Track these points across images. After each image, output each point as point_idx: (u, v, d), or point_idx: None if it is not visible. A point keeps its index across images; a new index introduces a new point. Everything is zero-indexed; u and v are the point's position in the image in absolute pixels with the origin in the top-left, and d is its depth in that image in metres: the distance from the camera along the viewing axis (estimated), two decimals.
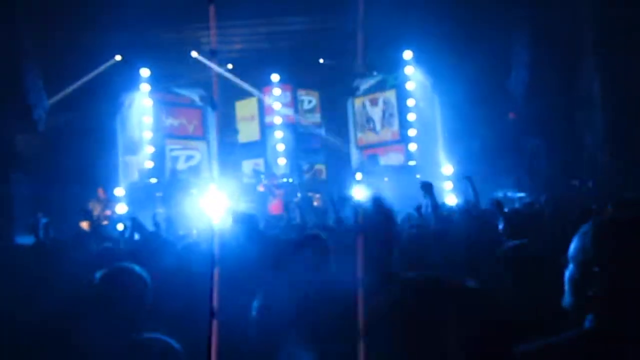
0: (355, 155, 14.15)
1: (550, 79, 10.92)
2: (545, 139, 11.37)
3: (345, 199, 6.36)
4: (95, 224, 8.96)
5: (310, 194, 12.56)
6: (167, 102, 13.87)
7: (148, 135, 13.07)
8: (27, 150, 11.30)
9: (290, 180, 12.75)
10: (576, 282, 1.56)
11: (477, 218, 4.86)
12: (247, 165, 14.04)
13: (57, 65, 11.49)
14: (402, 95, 13.51)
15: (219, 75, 12.83)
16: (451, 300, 1.23)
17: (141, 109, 13.10)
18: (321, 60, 13.61)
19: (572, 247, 1.59)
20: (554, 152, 10.99)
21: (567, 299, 1.60)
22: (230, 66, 13.26)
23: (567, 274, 1.60)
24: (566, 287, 1.60)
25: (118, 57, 12.42)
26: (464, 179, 6.24)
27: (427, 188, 4.87)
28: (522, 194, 10.74)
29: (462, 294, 1.26)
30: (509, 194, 10.94)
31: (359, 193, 11.10)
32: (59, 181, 11.50)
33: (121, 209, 11.44)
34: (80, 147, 11.90)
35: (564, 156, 10.63)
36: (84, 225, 10.02)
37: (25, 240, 7.33)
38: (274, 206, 11.98)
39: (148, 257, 3.87)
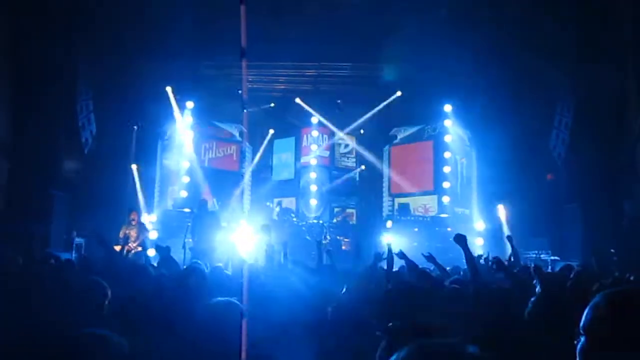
0: (387, 203, 14.18)
1: (591, 142, 10.82)
2: (582, 203, 11.10)
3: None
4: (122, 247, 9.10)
5: (339, 237, 12.55)
6: (208, 135, 14.20)
7: (186, 165, 13.24)
8: (70, 170, 11.63)
9: (321, 222, 12.84)
10: (587, 355, 1.53)
11: (516, 276, 4.83)
12: (279, 203, 14.24)
13: (107, 91, 11.91)
14: (439, 147, 13.61)
15: (260, 113, 13.21)
16: None
17: (182, 139, 13.37)
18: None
19: (584, 318, 1.56)
20: (591, 217, 10.74)
21: None
22: (272, 104, 13.47)
23: (579, 346, 1.57)
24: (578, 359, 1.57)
25: (169, 89, 12.80)
26: (506, 238, 6.23)
27: (461, 241, 4.66)
28: (555, 257, 10.56)
29: None
30: (543, 255, 10.75)
31: (388, 241, 11.40)
32: (97, 203, 11.83)
33: (153, 235, 11.49)
34: (120, 171, 12.48)
35: (600, 223, 10.24)
36: (118, 249, 10.45)
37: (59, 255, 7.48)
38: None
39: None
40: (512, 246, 5.94)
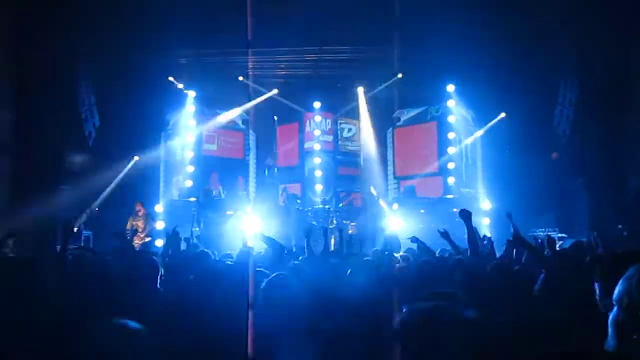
0: (392, 186, 14.03)
1: (596, 118, 10.80)
2: (587, 179, 11.12)
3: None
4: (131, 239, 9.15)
5: (345, 221, 12.44)
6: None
7: (190, 154, 13.18)
8: (75, 163, 11.64)
9: (327, 207, 12.62)
10: (621, 326, 1.55)
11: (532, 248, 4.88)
12: (284, 189, 14.03)
13: (108, 83, 11.87)
14: (443, 128, 13.43)
15: (262, 100, 13.08)
16: (449, 329, 1.39)
17: (185, 128, 13.29)
18: (360, 90, 13.54)
19: (617, 290, 1.57)
20: (596, 193, 10.71)
21: (610, 342, 1.58)
22: (275, 91, 13.42)
23: (612, 317, 1.59)
24: (610, 330, 1.59)
25: (171, 79, 12.79)
26: (505, 216, 6.11)
27: (466, 216, 4.79)
28: (563, 234, 10.55)
29: (459, 324, 1.40)
30: (550, 233, 10.58)
31: (394, 224, 11.29)
32: (102, 195, 11.96)
33: (160, 225, 11.52)
34: (124, 162, 12.39)
35: (605, 199, 10.30)
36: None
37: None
38: None
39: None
40: (512, 224, 5.90)
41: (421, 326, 1.43)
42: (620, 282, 1.58)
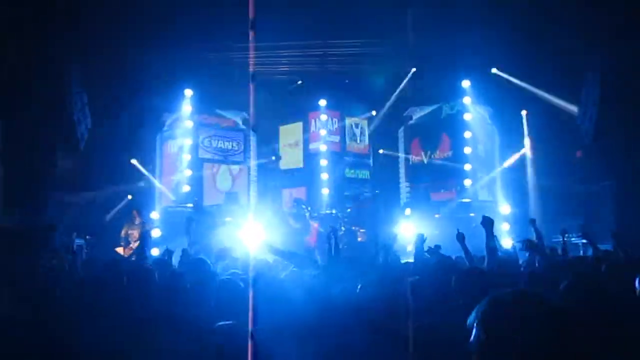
0: (404, 189, 13.59)
1: (620, 117, 10.22)
2: (614, 182, 10.65)
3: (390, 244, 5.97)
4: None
5: (354, 227, 11.85)
6: (209, 125, 13.47)
7: (187, 157, 12.69)
8: (66, 169, 11.17)
9: (334, 212, 12.01)
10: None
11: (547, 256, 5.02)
12: (288, 194, 13.62)
13: (101, 83, 11.40)
14: (458, 127, 12.82)
15: (264, 99, 12.14)
16: (537, 315, 1.41)
17: (182, 130, 12.81)
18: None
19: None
20: (622, 197, 10.33)
21: None
22: (300, 82, 12.84)
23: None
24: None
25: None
26: (528, 222, 6.07)
27: (487, 223, 4.59)
28: (585, 240, 9.65)
29: (547, 310, 1.43)
30: (573, 239, 10.17)
31: (407, 230, 10.59)
32: (97, 201, 11.54)
33: (156, 233, 11.06)
34: (119, 166, 11.98)
35: (633, 201, 9.91)
36: (119, 250, 10.07)
37: None
38: (312, 238, 11.31)
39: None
40: (536, 229, 5.80)
41: (507, 313, 1.44)
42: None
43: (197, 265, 4.58)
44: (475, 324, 1.44)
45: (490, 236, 4.53)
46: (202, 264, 4.58)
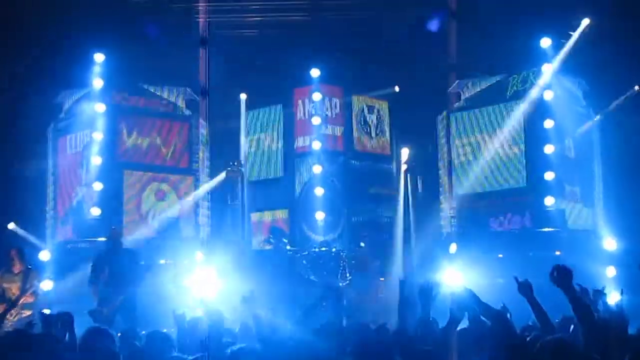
0: (449, 208, 10.88)
1: None
2: None
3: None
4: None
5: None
6: (131, 108, 10.77)
7: (97, 161, 10.17)
8: None
9: (333, 249, 9.86)
10: None
11: None
12: (261, 220, 11.56)
13: None
14: (533, 112, 10.21)
15: (221, 69, 9.82)
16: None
17: (88, 118, 10.37)
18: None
19: None
20: None
21: None
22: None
23: None
24: None
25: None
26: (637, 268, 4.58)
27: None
28: None
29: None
30: None
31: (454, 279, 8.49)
32: None
33: (47, 286, 9.29)
34: None
35: None
36: None
37: None
38: None
39: None
40: None
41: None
42: None
43: (94, 339, 3.96)
44: None
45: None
46: (102, 338, 3.97)
